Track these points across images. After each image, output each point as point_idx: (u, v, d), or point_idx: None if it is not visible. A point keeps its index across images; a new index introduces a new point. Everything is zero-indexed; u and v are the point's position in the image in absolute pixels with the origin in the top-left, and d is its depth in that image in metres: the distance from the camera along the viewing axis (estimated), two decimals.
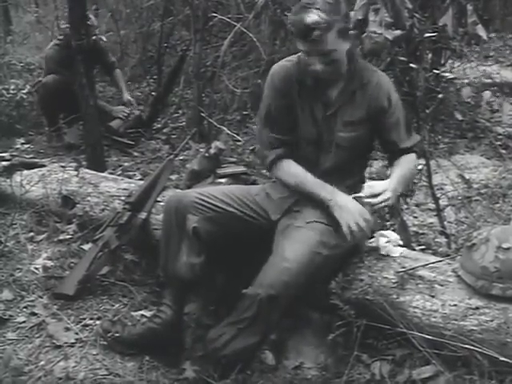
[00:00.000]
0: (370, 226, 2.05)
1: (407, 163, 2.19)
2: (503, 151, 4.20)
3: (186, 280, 2.16)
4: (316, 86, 2.15)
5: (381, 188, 2.04)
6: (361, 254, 2.18)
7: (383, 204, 2.05)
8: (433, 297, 1.99)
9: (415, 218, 3.21)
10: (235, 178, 2.82)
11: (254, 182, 2.60)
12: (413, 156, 2.23)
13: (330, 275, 2.11)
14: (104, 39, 4.78)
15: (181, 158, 3.73)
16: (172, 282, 2.19)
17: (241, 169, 2.64)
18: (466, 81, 4.54)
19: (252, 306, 1.92)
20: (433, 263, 2.08)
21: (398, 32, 2.38)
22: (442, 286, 2.01)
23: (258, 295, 1.89)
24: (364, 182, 2.14)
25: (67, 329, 2.22)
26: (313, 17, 1.91)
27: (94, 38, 4.43)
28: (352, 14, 2.42)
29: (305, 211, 2.11)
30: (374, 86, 2.14)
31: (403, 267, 2.09)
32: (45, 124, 4.70)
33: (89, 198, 2.86)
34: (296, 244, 1.98)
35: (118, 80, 4.96)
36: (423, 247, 2.65)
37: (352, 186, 2.18)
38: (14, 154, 3.55)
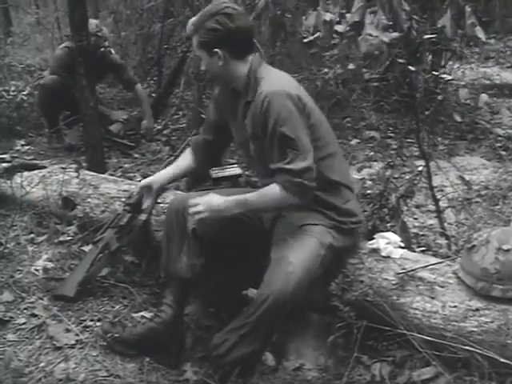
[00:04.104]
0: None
1: (262, 191, 2.07)
2: (503, 153, 4.20)
3: (186, 280, 2.18)
4: (230, 94, 2.23)
5: (199, 200, 2.10)
6: (357, 250, 2.19)
7: (195, 217, 2.09)
8: (433, 298, 1.99)
9: (415, 219, 3.21)
10: (233, 181, 2.83)
11: (253, 185, 2.60)
12: (274, 187, 2.02)
13: (329, 276, 2.11)
14: (113, 51, 4.74)
15: None
16: (173, 281, 2.20)
17: (237, 171, 2.64)
18: (463, 82, 4.54)
19: (257, 311, 1.92)
20: (433, 265, 2.08)
21: (395, 34, 2.38)
22: (442, 287, 2.01)
23: (265, 301, 1.90)
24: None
25: (67, 330, 2.22)
26: (189, 23, 2.17)
27: (102, 49, 4.43)
28: (348, 16, 2.43)
29: (293, 216, 2.11)
30: (259, 105, 2.02)
31: (403, 269, 2.09)
32: (45, 125, 4.70)
33: (89, 200, 2.86)
34: (297, 249, 1.99)
35: (141, 99, 4.79)
36: (423, 249, 2.65)
37: None
38: (15, 155, 3.56)
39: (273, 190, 2.02)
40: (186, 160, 2.51)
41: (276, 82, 2.07)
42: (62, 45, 4.78)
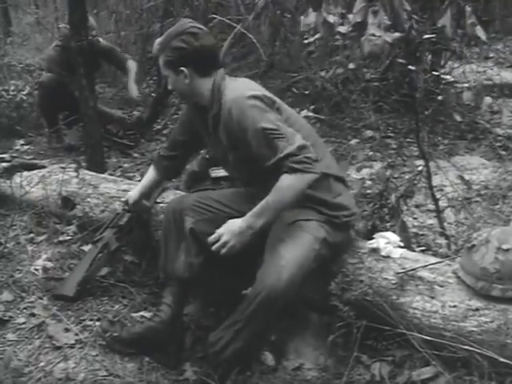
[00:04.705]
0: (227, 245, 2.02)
1: (276, 188, 1.97)
2: (503, 152, 4.19)
3: (184, 279, 2.18)
4: (197, 110, 2.24)
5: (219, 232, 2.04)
6: (353, 245, 2.20)
7: (224, 250, 2.02)
8: (433, 298, 1.99)
9: (415, 219, 3.21)
10: (231, 181, 2.83)
11: None
12: (283, 178, 1.96)
13: (327, 274, 2.11)
14: (101, 40, 4.73)
15: None
16: (171, 281, 2.20)
17: None
18: (466, 84, 4.53)
19: (250, 306, 1.93)
20: (433, 264, 2.08)
21: (397, 34, 2.39)
22: (441, 287, 2.01)
23: (257, 296, 1.90)
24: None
25: (67, 330, 2.22)
26: (155, 43, 2.17)
27: (89, 38, 4.41)
28: (351, 16, 2.43)
29: (286, 214, 2.10)
30: (227, 113, 2.05)
31: (403, 268, 2.09)
32: (44, 125, 4.70)
33: (89, 199, 2.86)
34: (290, 244, 2.00)
35: (128, 72, 4.72)
36: (423, 248, 2.65)
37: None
38: (14, 155, 3.56)
39: (284, 181, 1.96)
40: (150, 175, 2.52)
41: (237, 88, 2.09)
42: (53, 44, 4.78)
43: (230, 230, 2.02)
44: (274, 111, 2.05)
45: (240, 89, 2.08)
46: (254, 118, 1.98)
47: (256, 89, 2.11)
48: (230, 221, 2.06)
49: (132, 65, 4.73)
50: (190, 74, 2.10)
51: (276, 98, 2.14)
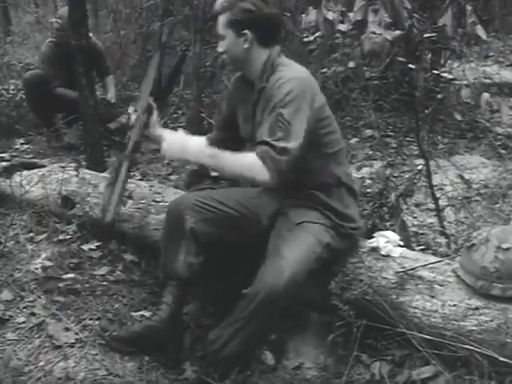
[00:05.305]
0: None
1: (236, 154, 1.97)
2: (503, 151, 4.19)
3: (184, 279, 2.17)
4: (243, 84, 2.22)
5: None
6: (355, 253, 2.19)
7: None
8: (432, 297, 1.99)
9: (415, 218, 3.21)
10: (232, 180, 2.82)
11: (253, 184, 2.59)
12: (250, 155, 1.93)
13: (328, 275, 2.11)
14: (91, 34, 4.69)
15: None
16: (171, 281, 2.20)
17: None
18: (465, 82, 4.53)
19: (250, 305, 1.93)
20: (432, 263, 2.08)
21: (398, 32, 2.39)
22: (441, 286, 2.01)
23: (257, 295, 1.90)
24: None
25: (67, 329, 2.22)
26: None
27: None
28: (351, 14, 2.43)
29: (291, 213, 2.11)
30: (271, 86, 2.04)
31: (403, 267, 2.09)
32: (42, 124, 4.69)
33: (88, 199, 2.85)
34: (292, 244, 1.99)
35: (109, 86, 4.84)
36: (423, 247, 2.65)
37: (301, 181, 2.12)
38: (14, 154, 3.56)
39: (248, 157, 1.94)
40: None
41: (293, 70, 2.08)
42: (46, 41, 4.78)
43: (173, 140, 2.08)
44: (311, 109, 2.01)
45: (295, 72, 2.07)
46: (283, 100, 1.95)
47: (310, 78, 2.09)
48: (183, 137, 2.10)
49: (111, 81, 4.88)
50: (251, 39, 2.07)
51: (322, 97, 2.12)
